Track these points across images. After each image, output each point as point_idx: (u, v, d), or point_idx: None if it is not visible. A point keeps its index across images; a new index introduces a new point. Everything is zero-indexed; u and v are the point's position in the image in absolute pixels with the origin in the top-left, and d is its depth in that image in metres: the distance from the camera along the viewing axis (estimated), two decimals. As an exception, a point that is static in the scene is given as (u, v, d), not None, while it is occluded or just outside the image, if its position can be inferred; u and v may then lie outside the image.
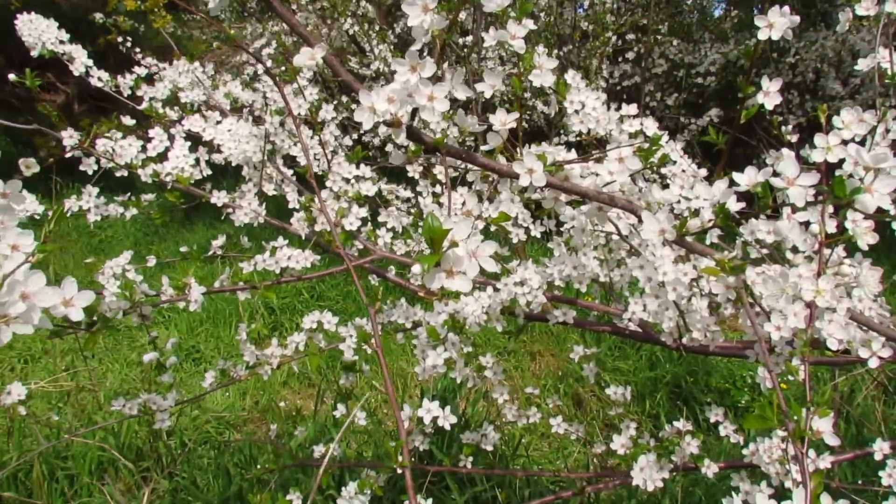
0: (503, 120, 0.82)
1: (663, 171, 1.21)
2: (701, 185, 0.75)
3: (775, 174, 0.67)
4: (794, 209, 0.70)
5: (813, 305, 0.79)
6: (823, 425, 0.76)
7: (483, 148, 0.84)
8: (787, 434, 0.72)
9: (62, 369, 3.57)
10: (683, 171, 1.22)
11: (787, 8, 0.74)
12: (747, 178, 0.71)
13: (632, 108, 1.13)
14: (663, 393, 3.32)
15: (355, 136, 4.61)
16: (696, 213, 0.82)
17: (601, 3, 4.68)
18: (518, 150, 0.82)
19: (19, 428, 2.69)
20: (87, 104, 6.83)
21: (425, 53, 0.74)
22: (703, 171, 1.18)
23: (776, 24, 0.74)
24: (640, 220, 0.89)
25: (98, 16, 5.29)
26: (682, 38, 5.30)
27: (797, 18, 0.74)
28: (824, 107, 0.81)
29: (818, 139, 0.71)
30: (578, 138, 1.06)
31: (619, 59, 5.03)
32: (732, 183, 0.72)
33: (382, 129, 0.66)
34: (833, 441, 0.76)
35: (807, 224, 0.97)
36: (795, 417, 0.74)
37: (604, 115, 1.11)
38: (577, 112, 1.11)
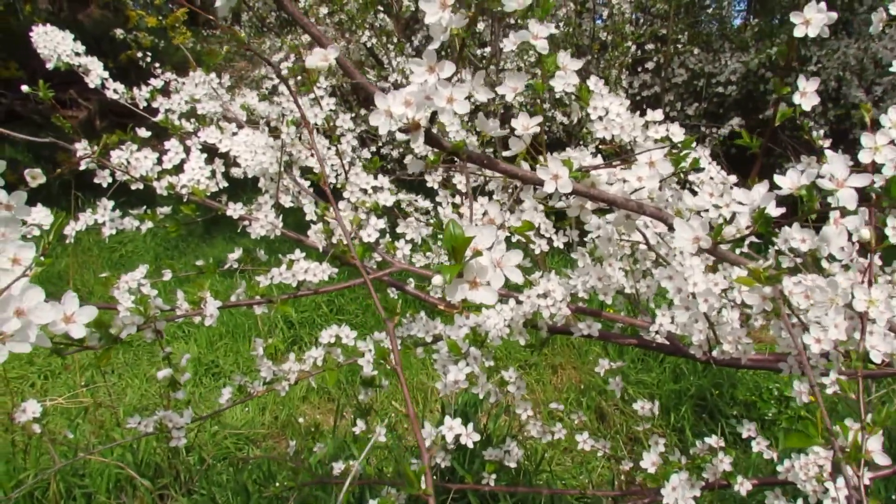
0: (526, 124, 0.78)
1: (691, 178, 1.17)
2: (740, 190, 0.71)
3: (821, 176, 0.63)
4: (844, 213, 0.65)
5: (865, 316, 0.74)
6: (874, 444, 0.71)
7: (505, 154, 0.80)
8: (833, 452, 0.67)
9: (81, 385, 3.57)
10: (711, 178, 1.18)
11: (823, 3, 0.70)
12: (790, 180, 0.67)
13: (657, 114, 1.09)
14: (688, 406, 3.25)
15: (373, 148, 4.60)
16: (729, 220, 0.78)
17: (620, 13, 4.64)
18: (542, 156, 0.79)
19: (36, 445, 2.68)
20: (109, 120, 6.90)
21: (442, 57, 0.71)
22: (733, 178, 1.14)
23: (813, 21, 0.70)
24: (670, 229, 0.85)
25: (119, 32, 5.34)
26: (701, 47, 5.24)
27: (835, 15, 0.70)
28: (868, 105, 0.76)
29: (865, 139, 0.67)
30: (597, 150, 1.02)
31: (639, 70, 4.98)
32: (774, 187, 0.68)
33: (400, 137, 0.63)
34: (884, 460, 0.71)
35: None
36: (841, 435, 0.69)
37: (628, 122, 1.07)
38: (600, 118, 1.07)
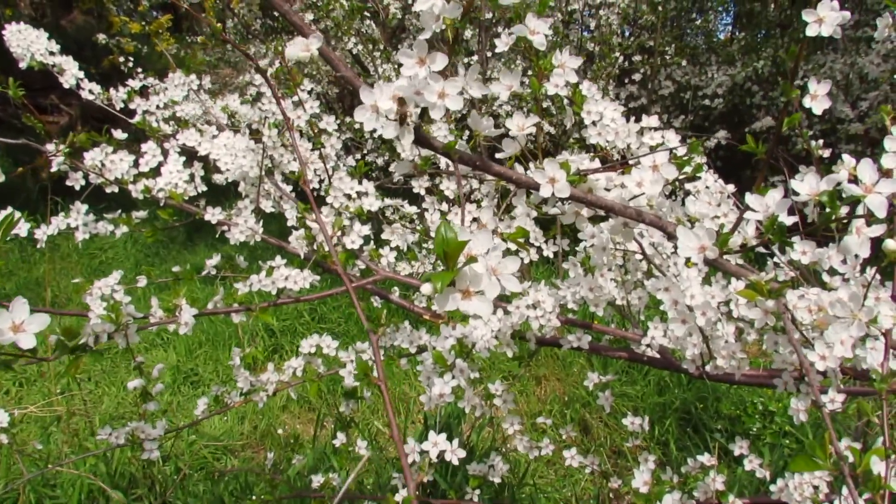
0: (521, 124, 0.74)
1: (688, 187, 1.13)
2: (753, 196, 0.67)
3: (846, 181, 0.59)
4: (872, 221, 0.61)
5: (888, 334, 0.70)
6: (881, 466, 0.67)
7: (498, 156, 0.76)
8: (846, 478, 0.63)
9: (57, 393, 3.47)
10: (707, 187, 1.14)
11: (836, 2, 0.67)
12: (809, 186, 0.63)
13: (652, 120, 1.06)
14: (672, 419, 3.22)
15: (358, 156, 4.55)
16: (732, 229, 0.74)
17: (608, 24, 4.64)
18: (537, 158, 0.74)
19: (6, 455, 2.59)
20: (91, 125, 6.80)
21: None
22: (731, 187, 1.10)
23: (826, 19, 0.66)
24: (670, 238, 0.81)
25: (101, 37, 5.26)
26: (688, 60, 5.25)
27: (848, 14, 0.66)
28: (888, 108, 0.73)
29: (889, 142, 0.63)
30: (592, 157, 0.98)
31: (626, 81, 4.98)
32: (792, 193, 0.64)
33: (388, 134, 0.58)
34: (897, 487, 0.67)
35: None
36: (851, 461, 0.65)
37: (623, 127, 1.03)
38: (594, 123, 1.03)
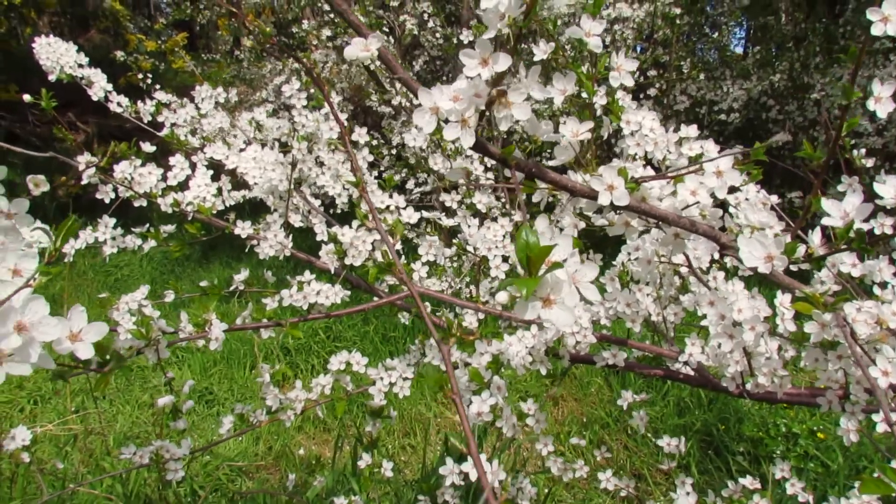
0: (575, 130, 0.72)
1: (729, 198, 1.11)
2: (829, 201, 0.65)
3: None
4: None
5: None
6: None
7: (550, 163, 0.74)
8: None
9: (72, 411, 3.46)
10: (747, 199, 1.12)
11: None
12: (894, 189, 0.61)
13: (692, 130, 1.04)
14: (694, 441, 3.17)
15: (375, 173, 4.56)
16: (798, 238, 0.72)
17: (622, 39, 4.64)
18: (591, 165, 0.73)
19: (24, 474, 2.57)
20: (106, 144, 6.86)
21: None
22: (774, 198, 1.08)
23: (892, 18, 0.65)
24: (723, 248, 0.79)
25: (119, 54, 5.31)
26: (704, 75, 5.25)
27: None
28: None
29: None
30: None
31: (641, 96, 4.97)
32: (874, 197, 0.62)
33: (449, 134, 0.57)
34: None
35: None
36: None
37: (662, 137, 1.01)
38: (632, 134, 1.02)
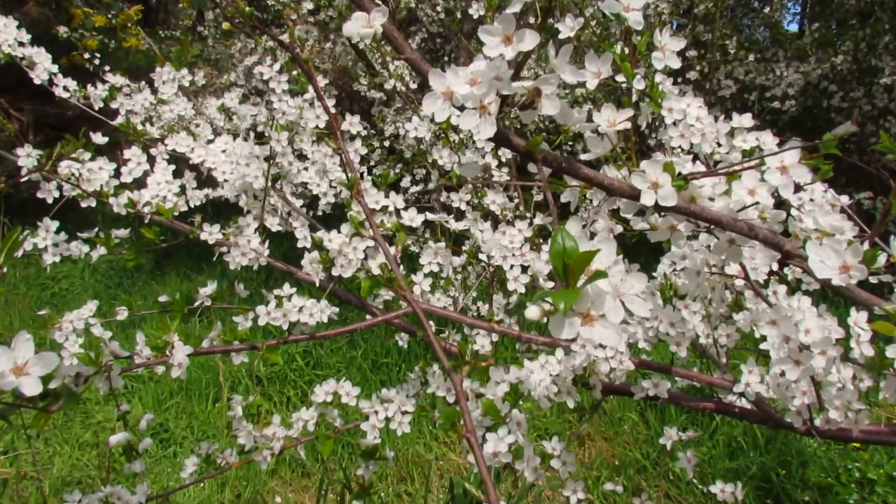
0: (612, 118, 0.72)
1: (791, 198, 1.11)
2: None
3: None
4: None
5: None
6: None
7: (583, 157, 0.74)
8: None
9: (0, 452, 3.45)
10: (812, 199, 1.12)
11: None
12: None
13: (745, 119, 1.04)
14: (749, 489, 3.15)
15: (364, 169, 4.57)
16: (871, 245, 0.72)
17: (656, 13, 4.65)
18: (630, 160, 0.73)
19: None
20: (45, 133, 6.87)
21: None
22: (845, 199, 1.08)
23: None
24: (786, 257, 0.79)
25: (62, 30, 5.32)
26: (753, 56, 5.26)
27: None
28: None
29: None
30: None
31: (679, 80, 4.98)
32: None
33: (465, 123, 0.57)
34: None
35: None
36: None
37: (710, 128, 1.02)
38: (675, 123, 1.02)
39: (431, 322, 1.39)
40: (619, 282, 0.46)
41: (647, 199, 0.69)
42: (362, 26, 0.66)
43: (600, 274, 0.43)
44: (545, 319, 0.45)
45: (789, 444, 3.34)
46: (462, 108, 0.62)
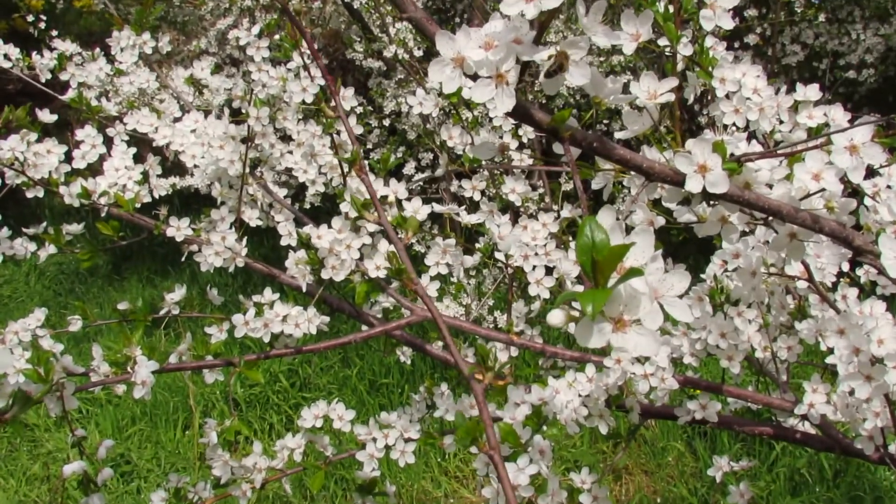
0: (653, 90, 0.73)
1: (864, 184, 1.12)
2: None
3: None
4: None
5: None
6: None
7: (618, 135, 0.75)
8: None
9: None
10: (890, 186, 1.13)
11: None
12: None
13: (811, 91, 1.05)
14: (815, 530, 3.17)
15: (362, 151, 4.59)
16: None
17: (708, -34, 4.65)
18: (674, 139, 0.74)
19: None
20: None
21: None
22: (927, 185, 1.08)
23: None
24: (857, 253, 0.80)
25: (0, -12, 5.37)
26: (824, 16, 5.25)
27: None
28: None
29: None
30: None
31: (737, 46, 4.97)
32: None
33: (478, 94, 0.58)
34: None
35: None
36: None
37: (770, 101, 1.02)
38: (728, 96, 1.03)
39: (448, 333, 1.41)
40: (657, 281, 0.47)
41: (694, 185, 0.70)
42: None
43: (635, 272, 0.44)
44: (571, 326, 0.46)
45: (862, 476, 3.35)
46: (475, 77, 0.63)
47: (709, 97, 1.06)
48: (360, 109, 4.57)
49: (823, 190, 0.78)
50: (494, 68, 0.61)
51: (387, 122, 4.80)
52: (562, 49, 0.62)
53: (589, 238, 0.44)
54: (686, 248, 3.57)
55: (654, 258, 0.47)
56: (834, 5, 5.67)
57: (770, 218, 0.80)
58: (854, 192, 1.12)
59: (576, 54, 0.62)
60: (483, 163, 1.27)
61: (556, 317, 0.47)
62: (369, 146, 4.67)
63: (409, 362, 1.59)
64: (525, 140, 1.44)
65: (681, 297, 0.47)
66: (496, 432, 0.60)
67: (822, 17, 5.06)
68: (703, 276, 1.26)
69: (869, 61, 5.20)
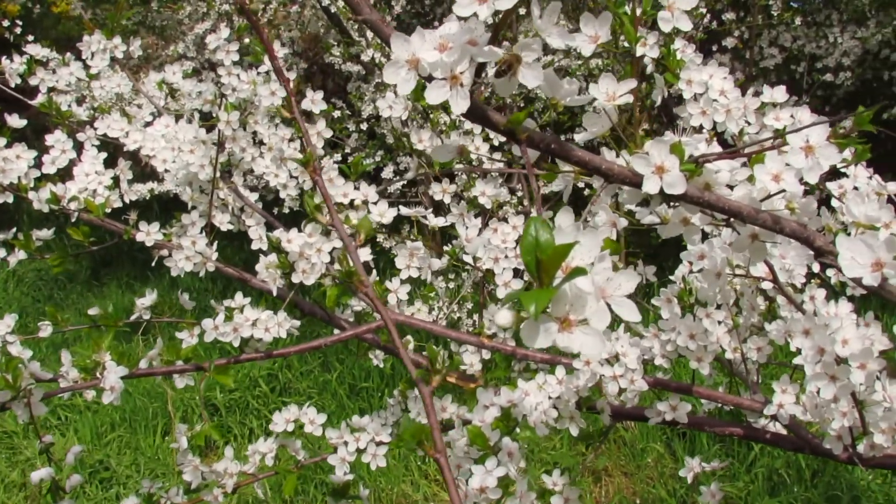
0: (611, 91, 0.74)
1: (830, 186, 1.13)
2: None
3: None
4: None
5: None
6: None
7: (578, 137, 0.75)
8: None
9: None
10: (856, 187, 1.14)
11: None
12: None
13: (778, 93, 1.06)
14: (794, 530, 3.18)
15: (338, 156, 4.58)
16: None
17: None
18: (633, 140, 0.74)
19: None
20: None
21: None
22: (893, 186, 1.10)
23: None
24: (818, 253, 0.80)
25: (-26, -8, 5.35)
26: (801, 19, 5.28)
27: None
28: None
29: None
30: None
31: (715, 49, 5.00)
32: None
33: (432, 96, 0.58)
34: None
35: None
36: None
37: (737, 103, 1.03)
38: (696, 98, 1.03)
39: (409, 337, 1.41)
40: (604, 281, 0.47)
41: (651, 187, 0.70)
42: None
43: (579, 271, 0.44)
44: (519, 326, 0.46)
45: (839, 476, 3.37)
46: (431, 79, 0.63)
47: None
48: (338, 113, 4.57)
49: (784, 191, 0.78)
50: (449, 70, 0.61)
51: (365, 126, 4.80)
52: (514, 51, 0.62)
53: (533, 237, 0.44)
54: (666, 249, 3.59)
55: (602, 258, 0.47)
56: (811, 8, 5.71)
57: (731, 219, 0.81)
58: (828, 198, 1.14)
59: (528, 56, 0.62)
60: (458, 165, 1.27)
61: (503, 317, 0.47)
62: (347, 150, 4.67)
63: (388, 366, 1.59)
64: (496, 142, 1.44)
65: (630, 296, 0.47)
66: (442, 435, 0.60)
67: (798, 21, 5.09)
68: (672, 278, 1.26)
69: (846, 64, 5.24)
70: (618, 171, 0.73)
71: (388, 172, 4.38)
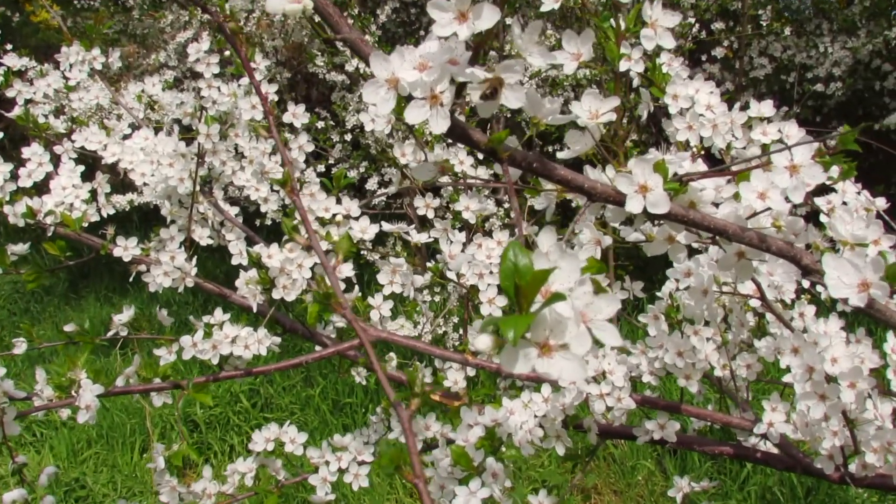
0: (594, 109, 0.74)
1: (818, 201, 1.14)
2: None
3: None
4: None
5: None
6: None
7: (561, 155, 0.75)
8: None
9: None
10: (845, 202, 1.14)
11: None
12: None
13: (765, 107, 1.07)
14: (786, 549, 3.19)
15: (322, 167, 4.58)
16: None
17: (671, -22, 4.71)
18: (617, 158, 0.74)
19: None
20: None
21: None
22: (882, 202, 1.10)
23: None
24: (805, 272, 0.81)
25: (-49, 0, 5.33)
26: (792, 29, 5.31)
27: None
28: None
29: None
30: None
31: (704, 59, 5.03)
32: None
33: (412, 116, 0.58)
34: None
35: None
36: None
37: (724, 118, 1.04)
38: (682, 113, 1.04)
39: (392, 354, 1.41)
40: (584, 305, 0.47)
41: (634, 206, 0.70)
42: (288, 2, 0.67)
43: (559, 296, 0.44)
44: (498, 350, 0.47)
45: (833, 494, 3.37)
46: (410, 99, 0.63)
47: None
48: (321, 124, 4.57)
49: (769, 209, 0.79)
50: (429, 89, 0.62)
51: (349, 137, 4.80)
52: (496, 74, 0.63)
53: (512, 262, 0.44)
54: (655, 263, 3.58)
55: (582, 282, 0.47)
56: (802, 18, 5.74)
57: (717, 237, 0.81)
58: (816, 213, 1.14)
59: (510, 78, 0.63)
60: (443, 179, 1.27)
61: (482, 342, 0.47)
62: (331, 161, 4.66)
63: (371, 383, 1.59)
64: (481, 156, 1.44)
65: (610, 320, 0.48)
66: (420, 460, 0.60)
67: (788, 31, 5.13)
68: (659, 294, 1.27)
69: (837, 74, 5.26)
70: (601, 189, 0.73)
71: (372, 184, 4.38)
